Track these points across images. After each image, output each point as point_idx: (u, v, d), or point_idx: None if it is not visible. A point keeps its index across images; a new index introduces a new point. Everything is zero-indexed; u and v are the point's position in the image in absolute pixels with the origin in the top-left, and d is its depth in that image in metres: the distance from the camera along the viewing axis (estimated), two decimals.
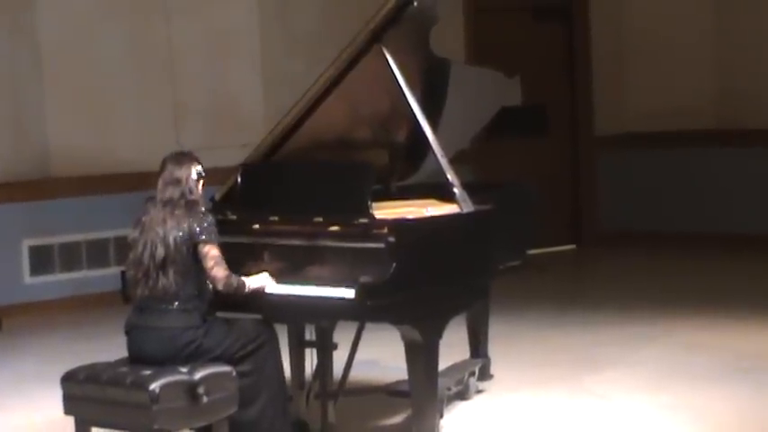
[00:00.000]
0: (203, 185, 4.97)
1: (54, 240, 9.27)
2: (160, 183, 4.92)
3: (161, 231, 4.81)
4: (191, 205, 4.87)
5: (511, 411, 6.02)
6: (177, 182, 4.88)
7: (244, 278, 4.91)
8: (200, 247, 4.80)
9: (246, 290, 4.89)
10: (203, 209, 4.93)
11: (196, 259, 4.82)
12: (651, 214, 11.21)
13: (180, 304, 4.79)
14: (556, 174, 11.31)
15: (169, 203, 4.86)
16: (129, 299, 4.96)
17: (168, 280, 4.78)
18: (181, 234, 4.80)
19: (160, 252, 4.79)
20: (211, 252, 4.81)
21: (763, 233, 10.36)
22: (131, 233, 4.92)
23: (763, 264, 9.73)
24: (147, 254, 4.81)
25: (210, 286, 4.87)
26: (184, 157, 5.00)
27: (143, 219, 4.90)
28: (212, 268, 4.80)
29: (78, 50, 9.48)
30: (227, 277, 4.81)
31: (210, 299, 4.90)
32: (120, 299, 5.24)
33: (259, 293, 4.95)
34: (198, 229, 4.80)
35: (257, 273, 5.02)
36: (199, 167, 4.97)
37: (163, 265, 4.79)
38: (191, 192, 4.89)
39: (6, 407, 6.59)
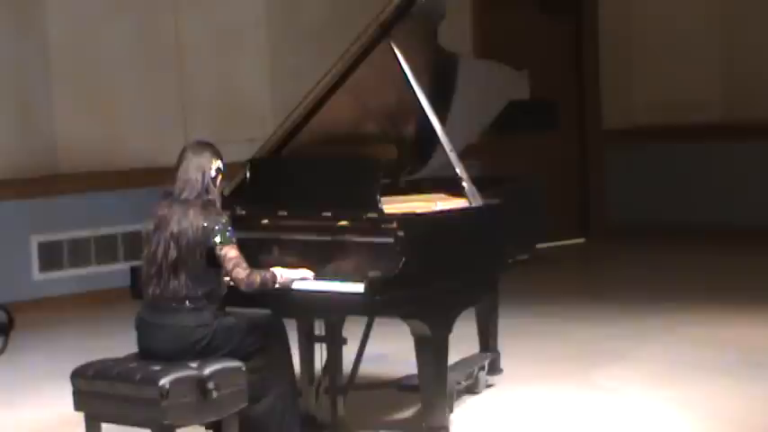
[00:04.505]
0: (222, 180, 4.92)
1: (62, 236, 9.28)
2: (178, 178, 4.86)
3: (175, 230, 4.76)
4: (206, 205, 4.81)
5: (520, 405, 6.02)
6: (194, 179, 4.82)
7: (276, 269, 4.87)
8: (217, 250, 4.75)
9: (278, 281, 4.83)
10: (219, 207, 4.87)
11: (210, 262, 4.77)
12: (659, 208, 11.20)
13: (191, 303, 4.77)
14: (564, 167, 11.31)
15: (185, 203, 4.81)
16: (139, 295, 4.96)
17: (180, 283, 4.75)
18: (194, 236, 4.74)
19: (173, 253, 4.75)
20: (229, 254, 4.75)
21: None
22: (146, 226, 4.87)
23: None
24: (160, 251, 4.77)
25: (225, 285, 4.86)
26: (205, 151, 4.91)
27: (159, 213, 4.85)
28: (232, 270, 4.75)
29: (86, 46, 9.48)
30: (249, 276, 4.75)
31: (222, 296, 4.89)
32: (129, 295, 5.24)
33: (287, 286, 4.89)
34: (213, 231, 4.74)
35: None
36: (219, 163, 4.89)
37: (175, 267, 4.76)
38: (207, 191, 4.84)
39: (16, 403, 6.61)
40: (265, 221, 5.23)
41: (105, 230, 9.40)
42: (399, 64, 5.34)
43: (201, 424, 4.94)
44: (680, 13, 11.12)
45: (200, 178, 4.84)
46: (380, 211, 4.97)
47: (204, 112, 9.85)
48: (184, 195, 4.83)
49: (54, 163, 9.36)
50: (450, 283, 5.05)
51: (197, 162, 4.87)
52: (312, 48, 9.71)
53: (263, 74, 10.05)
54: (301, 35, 10.10)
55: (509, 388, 6.28)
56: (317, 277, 4.93)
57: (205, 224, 4.76)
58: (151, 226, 4.85)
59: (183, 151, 4.93)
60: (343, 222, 5.03)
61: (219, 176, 4.91)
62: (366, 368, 5.85)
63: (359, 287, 4.73)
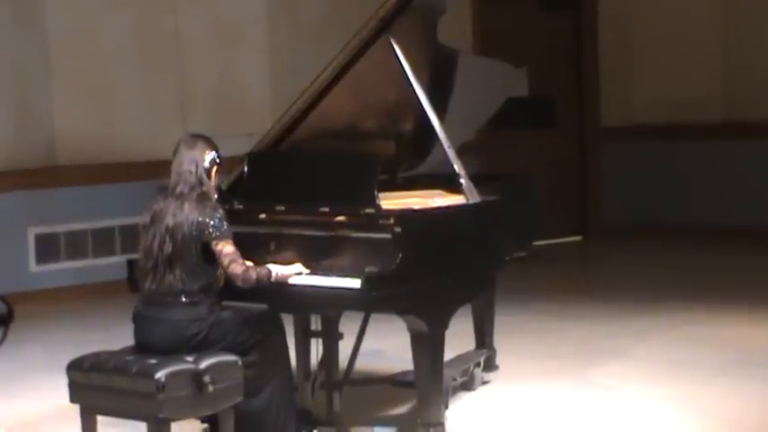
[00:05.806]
0: (217, 172, 4.91)
1: (60, 228, 9.28)
2: (172, 171, 4.86)
3: (170, 224, 4.76)
4: (201, 198, 4.81)
5: (516, 402, 6.02)
6: (188, 172, 4.82)
7: (271, 266, 4.87)
8: (213, 245, 4.75)
9: (273, 277, 4.83)
10: (214, 200, 4.87)
11: (205, 257, 4.77)
12: (657, 206, 11.19)
13: (187, 298, 4.77)
14: (563, 165, 11.31)
15: (180, 197, 4.80)
16: (136, 287, 4.95)
17: (175, 277, 4.75)
18: (189, 231, 4.74)
19: (168, 248, 4.75)
20: (225, 249, 4.75)
21: None
22: (142, 219, 4.87)
23: None
24: (156, 245, 4.78)
25: (221, 280, 4.85)
26: (198, 142, 4.91)
27: (154, 207, 4.85)
28: (228, 266, 4.75)
29: (85, 39, 9.48)
30: (245, 272, 4.76)
31: (218, 290, 4.88)
32: (125, 287, 5.24)
33: (284, 281, 4.88)
34: (209, 226, 4.74)
35: (279, 263, 4.96)
36: (213, 154, 4.89)
37: (170, 262, 4.75)
38: (201, 182, 4.83)
39: (13, 394, 6.61)
40: (263, 216, 5.22)
41: (102, 223, 9.40)
42: (398, 59, 5.33)
43: (197, 417, 4.94)
44: (680, 10, 11.11)
45: (193, 170, 4.84)
46: (378, 207, 4.96)
47: (203, 107, 9.85)
48: (179, 189, 4.82)
49: (52, 155, 9.36)
50: (446, 279, 5.04)
51: (190, 155, 4.87)
52: (312, 44, 9.69)
53: (263, 70, 10.05)
54: (301, 32, 10.08)
55: (504, 385, 6.28)
56: (315, 272, 4.93)
57: (200, 218, 4.76)
58: (147, 219, 4.85)
59: (178, 145, 4.93)
60: (341, 218, 5.02)
61: (214, 167, 4.90)
62: (362, 363, 5.84)
63: (356, 282, 4.73)
